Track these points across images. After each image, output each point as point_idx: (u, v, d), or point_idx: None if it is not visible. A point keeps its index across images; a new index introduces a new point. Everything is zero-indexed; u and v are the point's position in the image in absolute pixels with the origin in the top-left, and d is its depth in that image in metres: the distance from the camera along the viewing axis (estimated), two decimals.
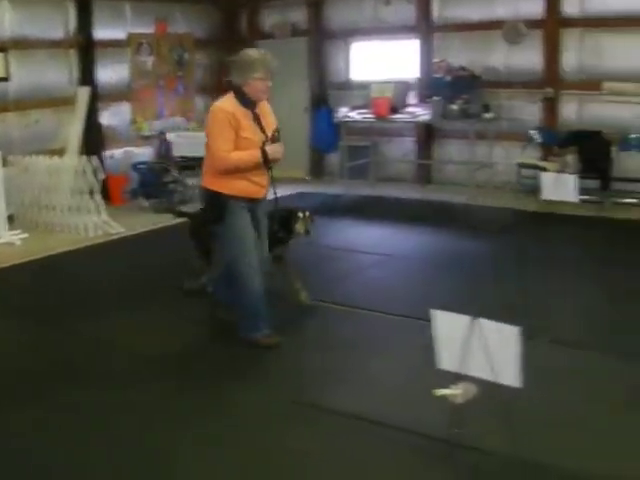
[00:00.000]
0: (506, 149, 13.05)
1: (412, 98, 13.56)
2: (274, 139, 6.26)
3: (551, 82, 12.61)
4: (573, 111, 12.57)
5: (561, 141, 12.02)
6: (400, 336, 6.49)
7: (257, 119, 6.18)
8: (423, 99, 13.30)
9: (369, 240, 7.68)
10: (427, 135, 13.93)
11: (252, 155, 6.11)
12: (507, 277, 8.03)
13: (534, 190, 9.96)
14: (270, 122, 6.34)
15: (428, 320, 4.61)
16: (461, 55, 13.20)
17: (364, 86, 13.53)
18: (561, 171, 10.32)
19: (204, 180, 6.32)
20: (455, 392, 4.77)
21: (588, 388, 5.55)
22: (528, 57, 12.77)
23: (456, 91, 12.54)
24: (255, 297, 6.28)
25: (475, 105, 12.54)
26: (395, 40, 13.97)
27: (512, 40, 12.79)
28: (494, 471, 4.48)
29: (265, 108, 6.34)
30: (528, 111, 12.87)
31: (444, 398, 4.85)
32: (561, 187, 9.03)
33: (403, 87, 13.35)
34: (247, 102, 6.13)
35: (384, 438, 4.90)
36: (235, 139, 6.07)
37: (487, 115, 12.65)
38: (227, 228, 6.24)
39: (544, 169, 11.01)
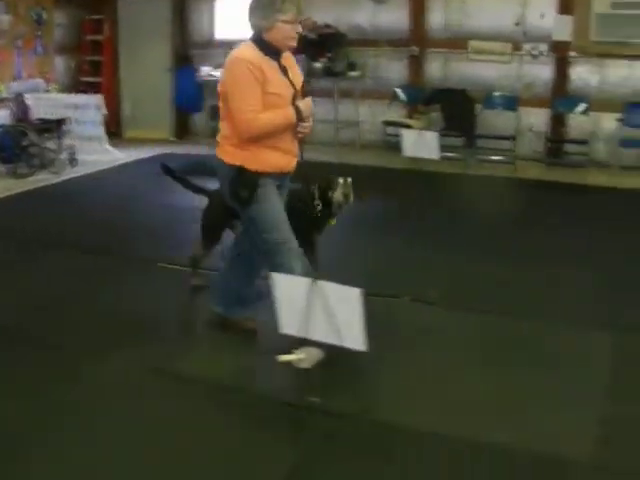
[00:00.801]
0: (372, 107, 13.00)
1: None
2: (304, 93, 5.27)
3: (417, 40, 12.61)
4: (438, 69, 12.64)
5: (426, 99, 12.05)
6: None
7: (284, 71, 5.07)
8: None
9: None
10: None
11: (285, 115, 5.00)
12: (368, 237, 7.97)
13: (399, 148, 9.91)
14: (297, 75, 5.24)
15: None
16: (327, 13, 13.00)
17: (229, 44, 13.16)
18: (425, 129, 10.30)
19: (222, 151, 5.17)
20: (299, 357, 4.66)
21: (446, 346, 5.51)
22: (394, 15, 12.75)
23: (321, 49, 12.40)
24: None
25: (340, 63, 12.46)
26: None
27: None
28: (347, 435, 4.38)
29: (290, 60, 5.21)
30: (394, 69, 12.87)
31: (289, 363, 4.74)
32: (423, 145, 9.02)
33: None
34: (271, 51, 5.00)
35: (235, 406, 4.75)
36: (262, 96, 4.93)
37: (353, 73, 12.58)
38: (259, 215, 5.11)
39: (409, 127, 10.97)
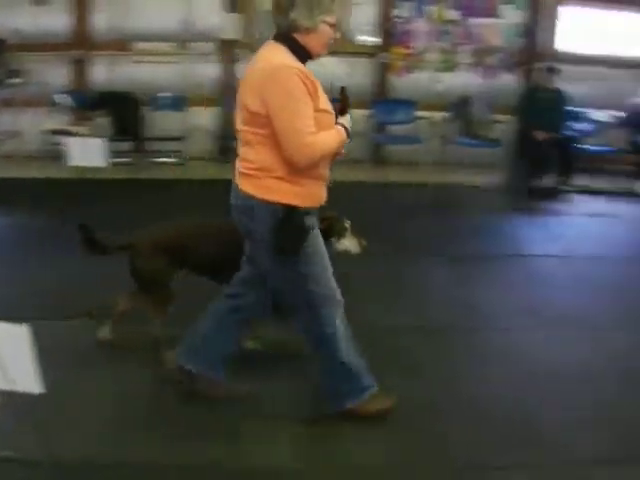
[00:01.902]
0: (35, 115, 12.19)
1: None
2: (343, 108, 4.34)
3: (80, 43, 12.11)
4: (104, 73, 12.18)
5: (92, 104, 11.60)
6: None
7: None
8: None
9: None
10: None
11: (339, 135, 4.18)
12: (38, 256, 7.43)
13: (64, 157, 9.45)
14: None
15: None
16: None
17: None
18: (93, 135, 9.95)
19: (257, 186, 4.15)
20: None
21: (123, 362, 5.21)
22: (56, 18, 12.10)
23: None
24: (349, 354, 4.47)
25: None
26: None
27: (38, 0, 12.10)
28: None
29: None
30: (57, 74, 12.20)
31: None
32: (88, 152, 8.66)
33: None
34: (305, 59, 4.13)
35: None
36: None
37: (14, 81, 11.86)
38: (309, 266, 4.26)
39: (76, 134, 10.52)
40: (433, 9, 12.00)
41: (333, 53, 11.39)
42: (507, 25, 12.42)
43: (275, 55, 4.07)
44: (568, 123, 11.66)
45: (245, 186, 4.19)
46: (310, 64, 4.16)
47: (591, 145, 12.08)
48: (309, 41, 4.09)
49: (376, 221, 8.22)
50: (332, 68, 11.77)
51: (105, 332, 5.42)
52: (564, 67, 11.57)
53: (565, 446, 4.47)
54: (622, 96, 12.32)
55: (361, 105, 11.75)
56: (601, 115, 12.40)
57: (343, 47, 11.82)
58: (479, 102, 12.08)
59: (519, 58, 12.54)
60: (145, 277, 5.10)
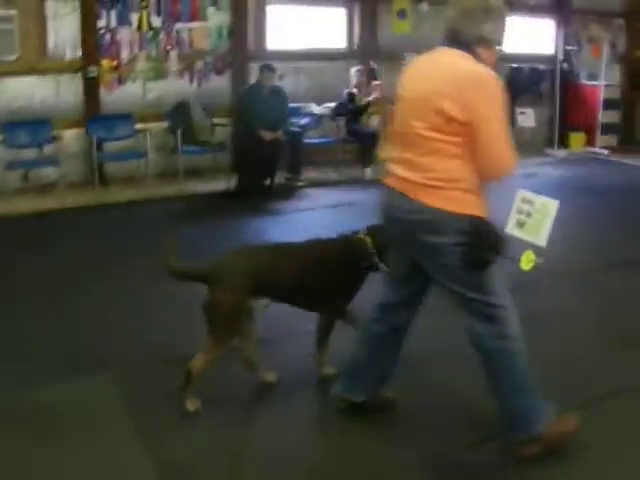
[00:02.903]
0: None
1: None
2: None
3: None
4: None
5: None
6: None
7: None
8: None
9: None
10: None
11: None
12: None
13: None
14: None
15: None
16: None
17: None
18: None
19: (440, 198, 3.89)
20: None
21: None
22: None
23: None
24: (526, 371, 4.12)
25: None
26: None
27: None
28: None
29: None
30: None
31: None
32: None
33: None
34: None
35: None
36: None
37: None
38: (491, 275, 3.99)
39: None
40: (136, 17, 11.59)
41: (33, 72, 11.03)
42: (214, 28, 12.25)
43: (469, 62, 3.88)
44: (290, 119, 11.69)
45: (427, 199, 3.92)
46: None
47: (313, 138, 12.27)
48: (484, 55, 3.94)
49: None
50: (35, 88, 11.15)
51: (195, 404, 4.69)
52: (277, 65, 11.57)
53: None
54: (333, 88, 12.60)
55: (74, 124, 11.25)
56: (317, 108, 12.62)
57: (44, 65, 11.19)
58: (196, 107, 11.84)
59: (229, 59, 12.39)
60: (223, 310, 4.55)
